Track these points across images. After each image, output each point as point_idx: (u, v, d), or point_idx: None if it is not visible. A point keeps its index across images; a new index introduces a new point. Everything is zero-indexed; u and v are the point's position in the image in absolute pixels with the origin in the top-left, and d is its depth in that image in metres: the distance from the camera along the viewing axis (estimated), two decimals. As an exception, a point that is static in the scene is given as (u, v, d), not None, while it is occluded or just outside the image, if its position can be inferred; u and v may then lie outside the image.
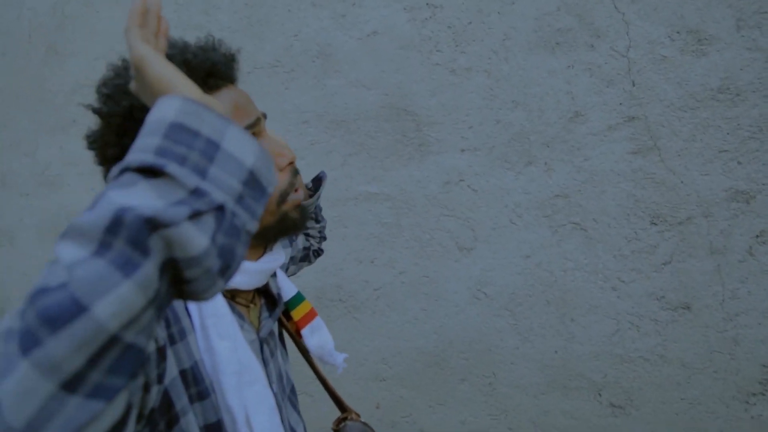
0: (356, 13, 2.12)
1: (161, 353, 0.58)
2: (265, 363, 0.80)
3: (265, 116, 0.79)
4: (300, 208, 0.79)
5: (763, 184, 1.79)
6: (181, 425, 0.63)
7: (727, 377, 1.87)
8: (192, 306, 0.70)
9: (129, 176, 0.44)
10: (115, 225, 0.39)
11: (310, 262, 1.22)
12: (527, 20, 1.96)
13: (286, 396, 0.85)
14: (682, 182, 1.85)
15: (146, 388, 0.52)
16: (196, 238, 0.42)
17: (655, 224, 1.89)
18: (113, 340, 0.38)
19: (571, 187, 1.96)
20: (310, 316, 0.98)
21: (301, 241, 1.15)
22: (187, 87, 0.52)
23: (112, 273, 0.38)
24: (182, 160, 0.45)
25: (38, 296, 0.38)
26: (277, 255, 0.84)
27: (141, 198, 0.42)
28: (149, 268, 0.40)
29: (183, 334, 0.68)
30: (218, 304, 0.71)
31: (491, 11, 1.99)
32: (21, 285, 2.60)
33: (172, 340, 0.66)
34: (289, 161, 0.76)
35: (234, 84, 0.77)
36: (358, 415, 1.11)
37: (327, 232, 1.32)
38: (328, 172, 2.30)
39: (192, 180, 0.44)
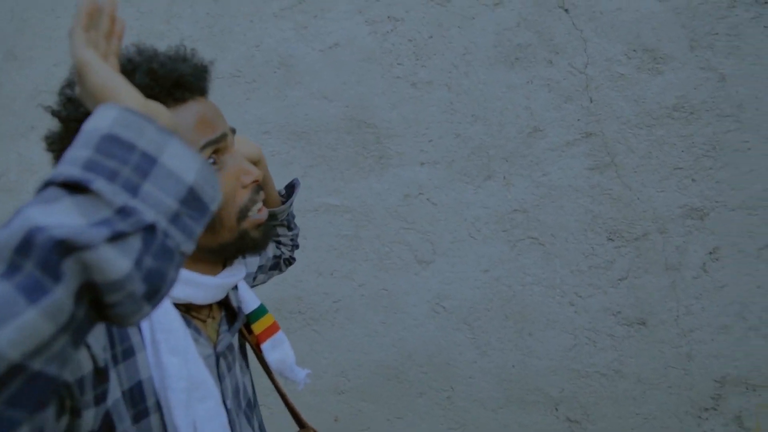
0: (318, 25, 2.12)
1: (101, 374, 0.57)
2: (220, 378, 0.78)
3: (233, 131, 0.77)
4: (262, 227, 0.77)
5: (717, 202, 1.81)
6: None
7: (681, 392, 1.88)
8: (144, 322, 0.68)
9: (52, 191, 0.41)
10: (25, 245, 0.36)
11: (281, 271, 1.20)
12: (487, 35, 1.97)
13: (242, 411, 0.83)
14: (638, 198, 1.87)
15: (75, 412, 0.50)
16: (116, 262, 0.39)
17: (611, 240, 1.90)
18: (15, 369, 0.35)
19: (529, 202, 1.96)
20: (272, 329, 0.95)
21: (271, 249, 1.13)
22: (130, 96, 0.50)
23: (16, 298, 0.35)
24: (112, 176, 0.42)
25: None
26: (237, 269, 0.82)
27: (61, 216, 0.39)
28: (60, 294, 0.37)
29: (130, 352, 0.66)
30: (171, 318, 0.69)
31: (452, 25, 2.00)
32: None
33: (115, 360, 0.63)
34: (253, 179, 0.74)
35: (204, 96, 0.75)
36: (315, 431, 1.08)
37: None
38: (285, 182, 2.29)
39: (120, 198, 0.42)
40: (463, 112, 2.00)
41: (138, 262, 0.41)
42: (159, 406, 0.67)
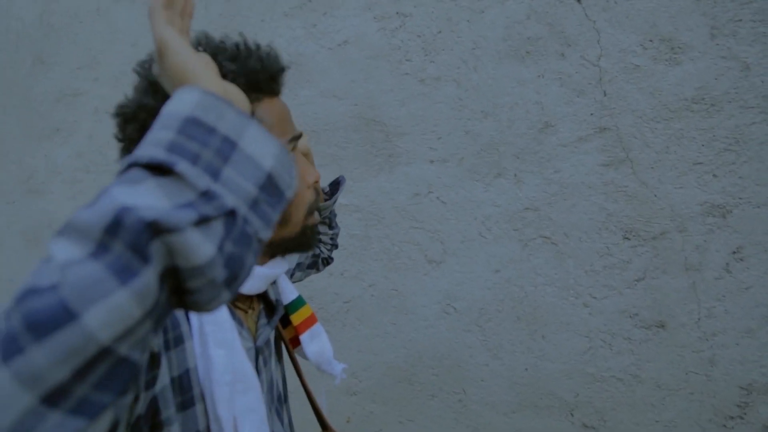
0: (327, 23, 2.11)
1: (154, 360, 0.57)
2: (258, 372, 0.78)
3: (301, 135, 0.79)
4: (314, 228, 0.78)
5: (740, 198, 1.71)
6: None
7: (704, 399, 1.78)
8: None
9: (136, 172, 0.40)
10: (115, 226, 0.36)
11: (318, 270, 1.20)
12: (497, 29, 1.92)
13: (273, 405, 0.83)
14: (655, 195, 1.78)
15: (135, 397, 0.51)
16: (202, 246, 0.39)
17: (627, 239, 1.82)
18: (104, 353, 0.35)
19: (541, 200, 1.90)
20: (310, 321, 0.94)
21: None
22: (209, 79, 0.49)
23: (108, 278, 0.35)
24: (195, 159, 0.42)
25: (26, 297, 0.34)
26: (282, 261, 0.82)
27: (146, 198, 0.38)
28: (148, 277, 0.36)
29: (180, 340, 0.66)
30: (219, 310, 0.68)
31: (460, 20, 1.95)
32: (6, 292, 2.64)
33: (167, 346, 0.64)
34: (315, 180, 0.76)
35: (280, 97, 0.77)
36: None
37: None
38: None
39: (203, 181, 0.41)
40: (473, 108, 1.95)
41: (220, 248, 0.40)
42: (203, 397, 0.66)
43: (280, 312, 0.85)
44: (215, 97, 0.45)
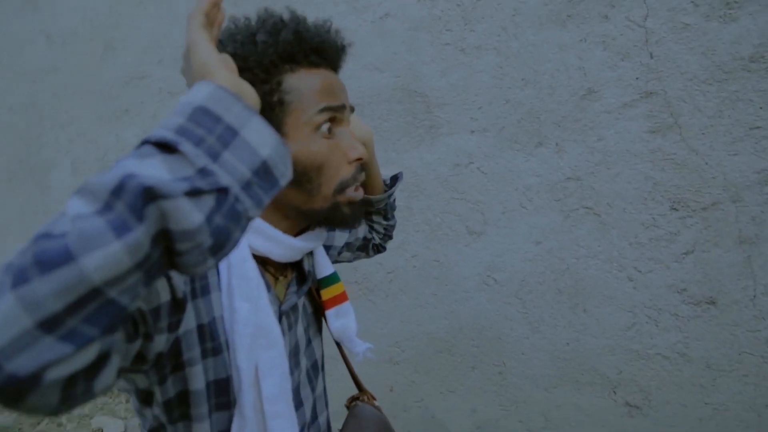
0: (370, -4, 2.13)
1: (178, 304, 0.64)
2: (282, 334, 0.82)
3: (352, 109, 0.82)
4: (353, 205, 0.80)
5: (803, 165, 1.57)
6: (185, 373, 0.68)
7: (759, 382, 1.67)
8: (222, 265, 0.73)
9: (147, 148, 0.47)
10: (119, 189, 0.42)
11: (368, 255, 1.20)
12: (538, -7, 1.86)
13: (302, 370, 0.87)
14: (706, 163, 1.67)
15: (147, 336, 0.58)
16: (191, 214, 0.44)
17: (675, 209, 1.72)
18: (95, 292, 0.41)
19: (583, 169, 1.84)
20: (340, 299, 0.95)
21: (362, 230, 1.14)
22: (224, 76, 0.55)
23: (107, 232, 0.41)
24: (198, 141, 0.48)
25: (39, 239, 0.41)
26: (317, 236, 0.85)
27: (150, 169, 0.44)
28: (140, 234, 0.42)
29: (207, 290, 0.72)
30: (248, 266, 0.74)
31: (501, -14, 1.91)
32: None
33: (194, 294, 0.70)
34: (356, 157, 0.78)
35: (335, 72, 0.81)
36: (374, 398, 1.11)
37: None
38: None
39: (201, 160, 0.47)
40: (513, 76, 1.91)
41: (209, 218, 0.45)
42: (227, 345, 0.72)
43: (309, 282, 0.88)
44: (226, 91, 0.52)
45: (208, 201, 0.46)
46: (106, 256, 0.40)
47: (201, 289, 0.71)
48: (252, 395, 0.72)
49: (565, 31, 1.82)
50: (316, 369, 0.92)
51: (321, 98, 0.74)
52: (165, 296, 0.61)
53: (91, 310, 0.41)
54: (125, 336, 0.53)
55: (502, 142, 1.95)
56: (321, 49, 0.76)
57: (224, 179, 0.47)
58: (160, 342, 0.62)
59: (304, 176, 0.75)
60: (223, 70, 0.56)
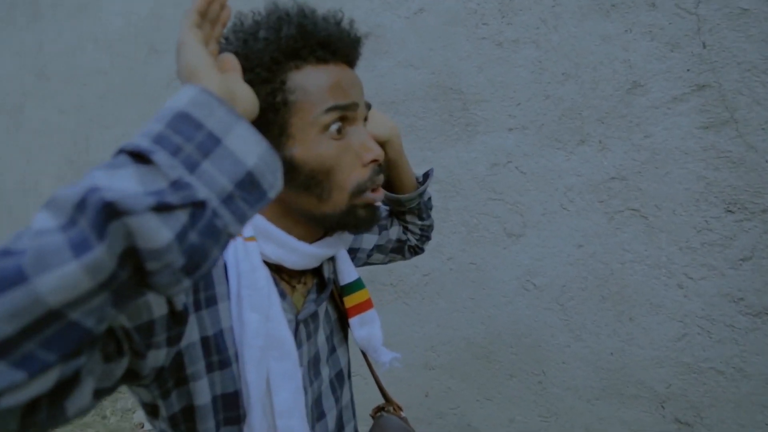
0: (405, -9, 2.07)
1: (178, 317, 0.61)
2: (298, 344, 0.78)
3: (368, 106, 0.78)
4: (370, 207, 0.75)
5: None
6: (189, 387, 0.66)
7: (827, 402, 1.52)
8: (232, 273, 0.70)
9: (122, 158, 0.44)
10: (82, 203, 0.39)
11: (404, 257, 1.15)
12: (580, -19, 1.75)
13: (324, 380, 0.84)
14: (766, 161, 1.53)
15: (137, 353, 0.56)
16: (159, 231, 0.41)
17: (731, 212, 1.58)
18: (53, 315, 0.38)
19: (629, 169, 1.72)
20: (364, 306, 0.90)
21: (395, 231, 1.10)
22: (211, 78, 0.52)
23: (65, 250, 0.38)
24: (176, 151, 0.45)
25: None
26: (336, 241, 0.80)
27: (120, 181, 0.41)
28: (101, 252, 0.39)
29: (213, 301, 0.69)
30: (258, 275, 0.71)
31: (540, -25, 1.81)
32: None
33: (197, 306, 0.67)
34: (373, 158, 0.72)
35: (349, 65, 0.76)
36: (400, 408, 1.07)
37: None
38: None
39: (175, 172, 0.43)
40: (553, 71, 1.81)
41: (180, 236, 0.42)
42: (236, 358, 0.69)
43: (329, 290, 0.84)
44: (209, 95, 0.48)
45: (180, 217, 0.42)
46: (62, 276, 0.37)
47: (206, 299, 0.68)
48: (261, 410, 0.69)
49: (608, 22, 1.71)
50: (341, 378, 0.89)
51: (329, 96, 0.69)
52: (160, 310, 0.58)
53: (49, 333, 0.38)
54: (103, 356, 0.50)
55: (541, 140, 1.85)
56: (328, 43, 0.71)
57: (201, 192, 0.44)
58: (158, 357, 0.60)
59: (313, 180, 0.70)
60: (211, 71, 0.53)
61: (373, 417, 1.06)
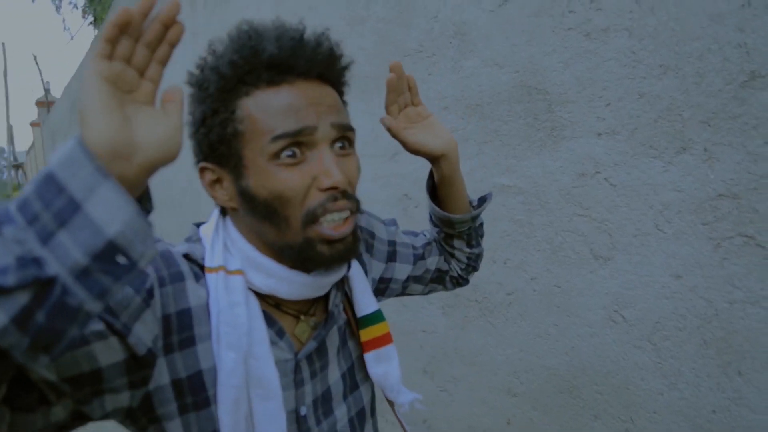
0: (490, -18, 1.88)
1: (142, 361, 0.60)
2: (297, 384, 0.75)
3: (348, 128, 0.71)
4: (332, 244, 0.69)
5: None
6: (162, 426, 0.65)
7: None
8: (213, 311, 0.68)
9: None
10: None
11: (445, 288, 1.10)
12: (684, -49, 1.41)
13: (339, 419, 0.81)
14: None
15: (81, 401, 0.56)
16: None
17: None
18: None
19: (742, 184, 1.36)
20: (382, 341, 0.84)
21: (435, 261, 1.04)
22: (96, 125, 0.45)
23: None
24: (32, 219, 0.41)
25: None
26: (331, 272, 0.73)
27: None
28: None
29: (190, 342, 0.66)
30: (237, 312, 0.67)
31: (636, -51, 1.50)
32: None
33: (169, 349, 0.65)
34: (330, 185, 0.66)
35: (321, 81, 0.70)
36: None
37: None
38: (464, 161, 2.23)
39: (22, 247, 0.40)
40: (649, 63, 1.49)
41: (18, 318, 0.39)
42: (215, 398, 0.67)
43: (331, 324, 0.79)
44: (81, 150, 0.43)
45: (19, 299, 0.38)
46: None
47: (179, 342, 0.66)
48: None
49: (717, -2, 1.35)
50: (362, 417, 0.85)
51: (277, 123, 0.65)
52: (111, 358, 0.57)
53: None
54: (17, 407, 0.50)
55: (634, 147, 1.55)
56: (277, 63, 0.66)
57: (51, 268, 0.40)
58: (118, 400, 0.60)
59: (269, 208, 0.67)
60: (100, 116, 0.45)
61: None
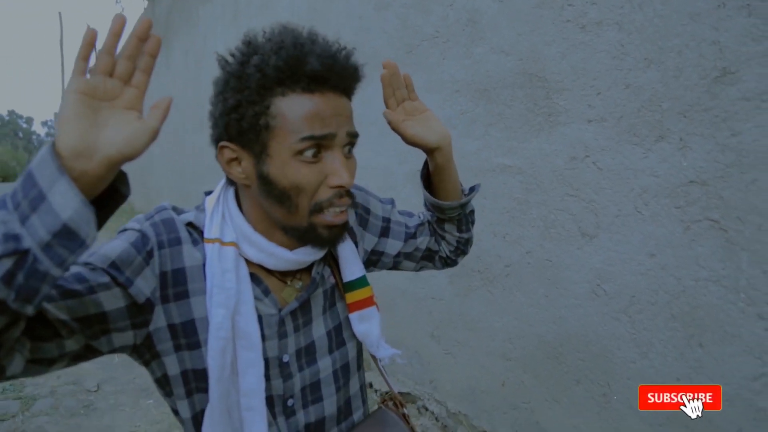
0: (500, -27, 1.99)
1: (141, 307, 0.75)
2: (281, 335, 0.87)
3: (354, 135, 0.82)
4: (332, 229, 0.82)
5: None
6: (162, 360, 0.80)
7: None
8: (208, 273, 0.80)
9: None
10: None
11: (434, 266, 1.16)
12: (670, -49, 1.50)
13: (322, 369, 0.92)
14: None
15: (92, 336, 0.70)
16: None
17: (829, 235, 1.26)
18: None
19: (710, 172, 1.47)
20: (365, 303, 0.95)
21: (425, 241, 1.12)
22: (65, 132, 0.55)
23: None
24: (17, 205, 0.53)
25: None
26: (314, 251, 0.87)
27: None
28: None
29: (184, 295, 0.80)
30: (227, 278, 0.80)
31: (628, -53, 1.59)
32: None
33: (165, 299, 0.78)
34: (337, 184, 0.78)
35: (338, 93, 0.80)
36: (402, 405, 1.04)
37: None
38: (470, 141, 2.40)
39: (8, 226, 0.52)
40: (635, 56, 1.60)
41: (4, 278, 0.52)
42: (206, 343, 0.80)
43: (312, 288, 0.91)
44: (49, 153, 0.54)
45: (5, 263, 0.51)
46: None
47: (175, 294, 0.79)
48: (220, 389, 0.78)
49: (696, -3, 1.45)
50: (346, 370, 0.96)
51: (306, 126, 0.75)
52: (114, 304, 0.71)
53: None
54: (31, 337, 0.64)
55: (619, 133, 1.66)
56: (317, 76, 0.75)
57: (26, 242, 0.52)
58: (124, 337, 0.75)
59: (284, 195, 0.78)
60: (68, 124, 0.55)
61: (380, 404, 1.07)
